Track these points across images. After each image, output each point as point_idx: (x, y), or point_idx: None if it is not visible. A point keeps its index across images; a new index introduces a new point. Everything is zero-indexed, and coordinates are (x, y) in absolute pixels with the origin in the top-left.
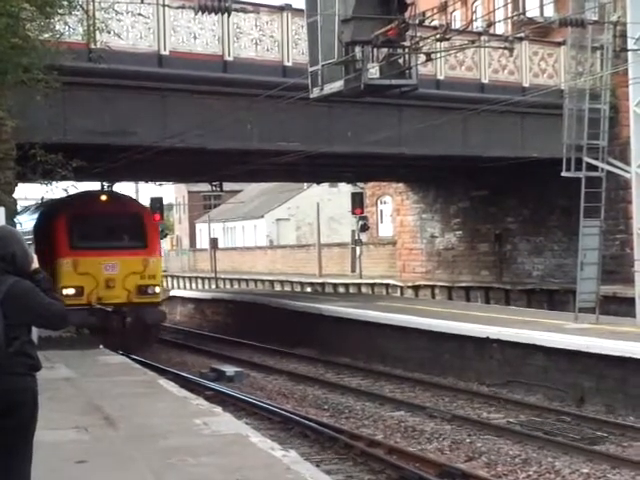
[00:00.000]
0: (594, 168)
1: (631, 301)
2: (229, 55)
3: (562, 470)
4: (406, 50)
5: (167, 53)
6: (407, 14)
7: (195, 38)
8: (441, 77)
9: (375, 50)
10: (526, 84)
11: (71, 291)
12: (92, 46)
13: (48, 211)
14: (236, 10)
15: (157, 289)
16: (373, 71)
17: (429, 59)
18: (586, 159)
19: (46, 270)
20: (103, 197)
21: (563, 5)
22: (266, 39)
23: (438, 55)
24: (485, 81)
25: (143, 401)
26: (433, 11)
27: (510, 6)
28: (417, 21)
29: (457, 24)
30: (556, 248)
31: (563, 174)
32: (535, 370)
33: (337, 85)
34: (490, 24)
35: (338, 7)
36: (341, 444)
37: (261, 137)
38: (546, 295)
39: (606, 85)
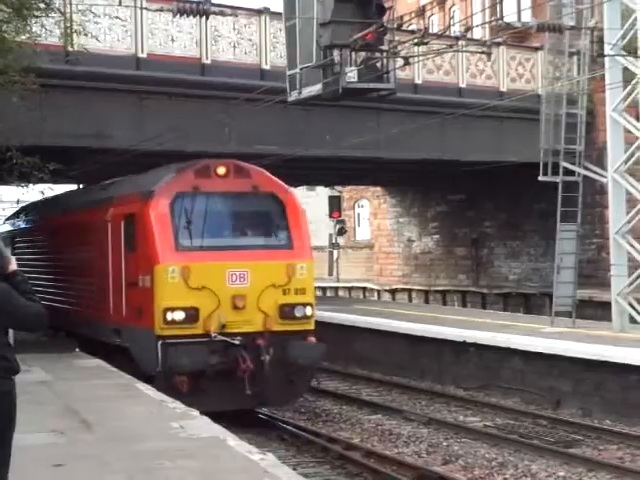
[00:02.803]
0: (571, 173)
1: (607, 305)
2: (207, 58)
3: (538, 473)
4: (384, 54)
5: (145, 56)
6: (385, 18)
7: (173, 41)
8: (419, 81)
9: (353, 54)
10: (503, 89)
11: (179, 315)
12: (69, 48)
13: (128, 190)
14: (214, 13)
15: (309, 310)
16: (351, 75)
17: (407, 63)
18: (563, 164)
19: (133, 284)
20: (222, 169)
21: (541, 11)
22: (244, 42)
23: (416, 59)
24: (463, 85)
25: (120, 404)
26: (411, 15)
27: (488, 11)
28: (395, 25)
29: (435, 28)
30: (533, 252)
31: (540, 178)
32: (512, 374)
33: (315, 88)
34: (468, 29)
35: (317, 11)
36: (318, 447)
37: (239, 140)
38: (522, 299)
39: (583, 90)
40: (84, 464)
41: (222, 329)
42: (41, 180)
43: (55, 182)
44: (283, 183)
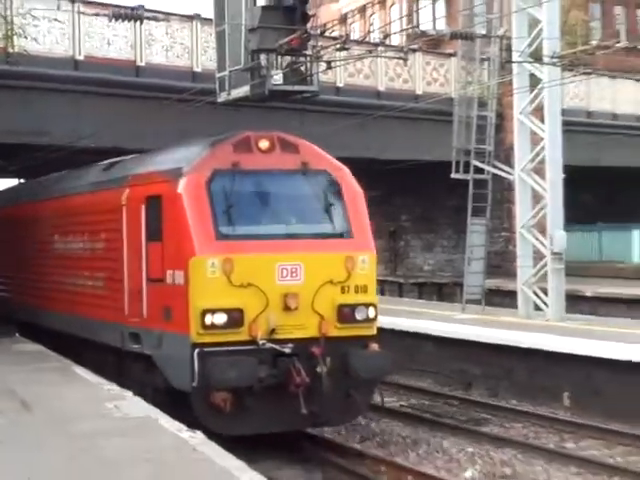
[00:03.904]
0: (481, 171)
1: (513, 294)
2: (141, 60)
3: (449, 449)
4: (308, 58)
5: (82, 58)
6: (309, 25)
7: (109, 44)
8: (341, 84)
9: (279, 58)
10: (419, 92)
11: (221, 318)
12: (10, 50)
13: (150, 168)
14: (148, 18)
15: (372, 312)
16: (277, 77)
17: (329, 67)
18: (474, 162)
19: (158, 279)
20: (264, 142)
21: (454, 19)
22: (177, 46)
23: (338, 63)
24: (381, 88)
25: (58, 387)
26: (334, 22)
27: (405, 19)
28: (318, 31)
29: (356, 35)
30: (446, 244)
31: (452, 176)
32: (426, 358)
33: (243, 90)
34: (386, 36)
35: (245, 17)
36: None
37: (173, 138)
38: (436, 288)
39: (493, 94)
40: (23, 443)
41: (270, 334)
42: None
43: None
44: (338, 162)
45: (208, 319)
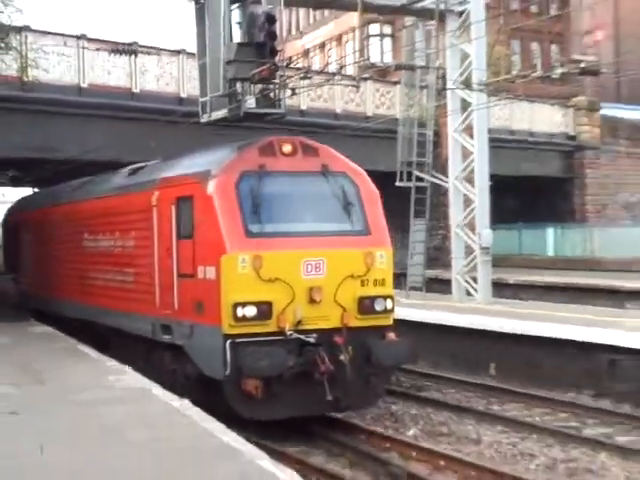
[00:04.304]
0: (421, 179)
1: (449, 282)
2: (136, 87)
3: (396, 412)
4: (276, 86)
5: (86, 85)
6: (277, 58)
7: (109, 74)
8: (304, 107)
9: (252, 85)
10: (370, 114)
11: (251, 311)
12: (24, 79)
13: (179, 171)
14: (142, 52)
15: (389, 303)
16: (250, 102)
17: (294, 93)
18: (415, 172)
19: (188, 275)
20: (287, 146)
21: (398, 53)
22: (166, 75)
23: (301, 90)
24: (338, 111)
25: (66, 363)
26: (298, 56)
27: (357, 53)
28: (285, 63)
29: (316, 66)
30: (392, 241)
31: (397, 184)
32: None
33: (222, 112)
34: (342, 67)
35: (223, 52)
36: None
37: (163, 153)
38: None
39: (430, 116)
40: (36, 411)
41: (297, 325)
42: (1, 184)
43: (14, 186)
44: (355, 165)
45: (239, 312)
